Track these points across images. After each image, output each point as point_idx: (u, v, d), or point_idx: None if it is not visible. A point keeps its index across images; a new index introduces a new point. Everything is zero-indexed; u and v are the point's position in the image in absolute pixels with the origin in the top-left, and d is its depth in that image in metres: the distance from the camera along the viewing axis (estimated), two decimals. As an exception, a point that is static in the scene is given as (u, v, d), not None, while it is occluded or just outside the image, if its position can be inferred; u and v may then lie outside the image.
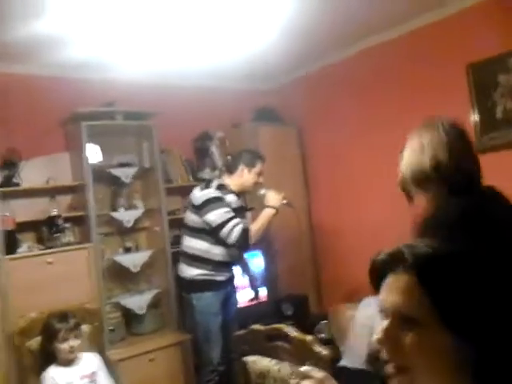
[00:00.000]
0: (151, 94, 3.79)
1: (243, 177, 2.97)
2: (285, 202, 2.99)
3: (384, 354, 0.75)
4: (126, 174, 3.51)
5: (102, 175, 3.49)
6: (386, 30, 3.63)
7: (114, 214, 3.51)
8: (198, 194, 2.88)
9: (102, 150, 3.53)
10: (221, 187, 2.92)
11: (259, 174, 2.98)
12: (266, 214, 2.92)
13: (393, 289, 0.76)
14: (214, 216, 2.78)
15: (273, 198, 2.93)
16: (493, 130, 3.13)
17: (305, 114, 4.47)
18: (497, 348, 0.70)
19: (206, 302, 2.85)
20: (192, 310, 2.90)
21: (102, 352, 2.74)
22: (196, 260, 2.89)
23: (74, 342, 2.30)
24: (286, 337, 1.67)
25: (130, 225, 3.52)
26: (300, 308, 3.80)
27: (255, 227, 2.88)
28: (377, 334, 0.75)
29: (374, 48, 3.82)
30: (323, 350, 1.54)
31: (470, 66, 3.20)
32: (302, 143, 4.53)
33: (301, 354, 1.59)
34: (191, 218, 2.93)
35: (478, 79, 3.17)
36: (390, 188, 3.66)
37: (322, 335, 3.52)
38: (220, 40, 3.32)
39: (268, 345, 1.73)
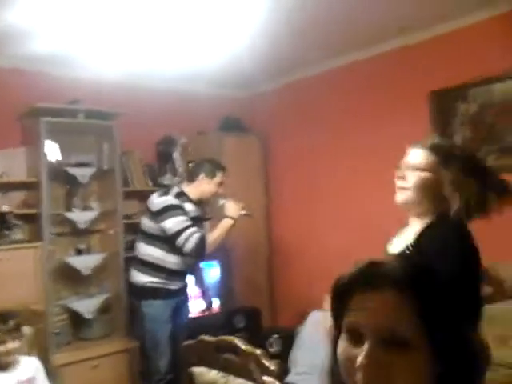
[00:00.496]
0: (117, 93, 3.72)
1: (203, 186, 2.95)
2: (244, 212, 2.99)
3: (360, 378, 0.69)
4: (83, 173, 3.42)
5: (58, 173, 3.40)
6: (352, 51, 3.70)
7: (68, 214, 3.41)
8: (156, 201, 2.84)
9: (60, 148, 3.45)
10: (180, 195, 2.89)
11: (219, 185, 2.97)
12: (224, 224, 2.91)
13: (378, 308, 0.70)
14: (171, 223, 2.75)
15: (232, 208, 2.92)
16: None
17: (271, 125, 4.50)
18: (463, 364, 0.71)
19: (156, 309, 2.80)
20: (142, 317, 2.84)
21: (45, 356, 2.64)
22: (149, 267, 2.84)
23: (11, 345, 2.19)
24: (234, 349, 1.65)
25: (84, 226, 3.43)
26: (252, 321, 3.78)
27: (212, 237, 2.86)
28: (359, 360, 0.69)
29: (339, 68, 3.90)
30: (271, 365, 1.52)
31: (431, 93, 3.29)
32: (266, 154, 4.55)
33: (249, 368, 1.57)
34: (147, 224, 2.88)
35: (439, 107, 3.27)
36: (353, 204, 3.77)
37: (272, 349, 3.51)
38: (193, 43, 3.29)
39: (216, 356, 1.70)
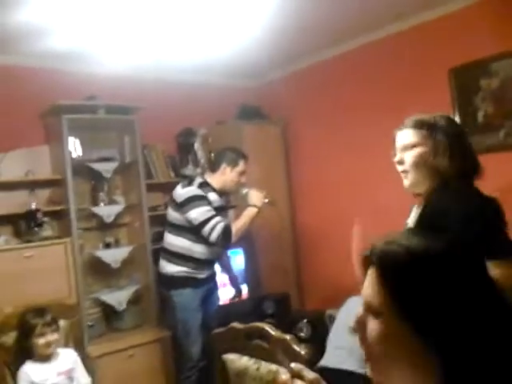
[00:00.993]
0: (134, 88, 3.75)
1: (225, 175, 2.96)
2: (267, 200, 2.99)
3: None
4: (106, 168, 3.47)
5: (82, 169, 3.45)
6: (370, 31, 3.65)
7: (95, 209, 3.47)
8: (181, 192, 2.86)
9: (82, 143, 3.50)
10: (203, 185, 2.90)
11: (242, 174, 2.97)
12: (249, 212, 2.91)
13: (366, 281, 0.81)
14: (196, 214, 2.77)
15: (255, 196, 2.92)
16: (474, 134, 3.17)
17: (290, 112, 4.47)
18: (453, 338, 0.69)
19: (186, 298, 2.84)
20: (172, 307, 2.89)
21: (80, 348, 2.71)
22: (177, 257, 2.88)
23: (51, 337, 2.27)
24: (264, 335, 1.67)
25: (110, 220, 3.48)
26: (281, 307, 3.81)
27: (237, 226, 2.87)
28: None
29: (358, 49, 3.85)
30: (302, 350, 1.54)
31: (452, 70, 3.23)
32: (286, 141, 4.53)
33: (279, 353, 1.59)
34: (173, 215, 2.91)
35: (460, 83, 3.21)
36: (375, 188, 3.74)
37: (302, 334, 3.53)
38: (205, 35, 3.29)
39: (247, 343, 1.73)
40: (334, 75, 4.08)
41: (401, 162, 1.64)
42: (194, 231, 2.82)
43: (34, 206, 3.19)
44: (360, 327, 0.79)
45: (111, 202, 3.62)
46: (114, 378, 3.20)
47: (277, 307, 3.76)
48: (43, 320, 2.27)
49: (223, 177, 2.96)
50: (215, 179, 2.97)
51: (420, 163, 1.59)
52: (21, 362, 2.27)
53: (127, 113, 3.64)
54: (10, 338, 2.37)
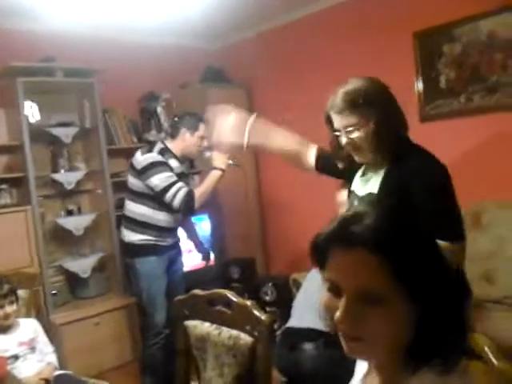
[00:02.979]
0: (94, 49, 3.62)
1: (186, 141, 2.87)
2: (231, 162, 2.92)
3: (341, 330, 0.75)
4: (66, 133, 3.37)
5: (40, 135, 3.35)
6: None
7: (55, 176, 3.39)
8: (140, 159, 2.77)
9: (39, 108, 3.37)
10: (163, 151, 2.82)
11: (202, 138, 2.89)
12: (213, 176, 2.81)
13: (349, 266, 0.73)
14: (158, 180, 2.70)
15: (219, 159, 2.83)
16: (436, 99, 3.20)
17: (254, 75, 4.40)
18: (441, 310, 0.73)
19: (149, 266, 2.81)
20: (136, 275, 2.86)
21: (43, 317, 2.68)
22: (139, 225, 2.82)
23: (9, 309, 2.22)
24: (227, 302, 1.68)
25: (71, 187, 3.41)
26: (247, 271, 3.85)
27: (200, 190, 2.79)
28: (336, 314, 0.73)
29: (323, 11, 3.79)
30: (262, 315, 1.56)
31: (416, 33, 3.22)
32: (251, 105, 4.47)
33: (241, 319, 1.61)
34: (133, 182, 2.83)
35: (424, 48, 3.20)
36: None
37: (268, 297, 3.60)
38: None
39: (209, 310, 1.74)
40: (297, 39, 4.01)
41: (348, 143, 1.64)
42: (155, 198, 2.76)
43: (-11, 173, 3.09)
44: (350, 318, 0.72)
45: (72, 168, 3.53)
46: (80, 346, 3.20)
47: (242, 272, 3.81)
48: (0, 292, 2.22)
49: (183, 142, 2.88)
50: (176, 145, 2.89)
51: (367, 141, 1.59)
52: (-20, 333, 2.23)
53: (86, 76, 3.50)
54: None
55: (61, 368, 2.43)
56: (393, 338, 0.73)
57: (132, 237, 2.84)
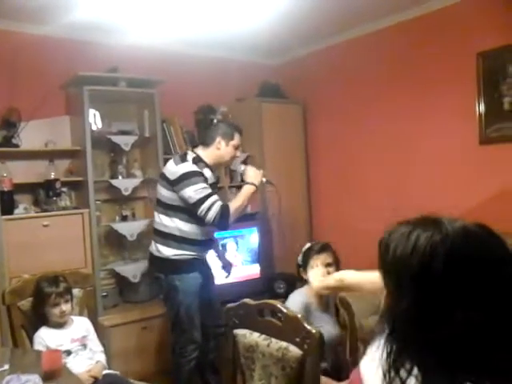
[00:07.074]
0: (156, 60, 3.75)
1: (220, 150, 2.78)
2: (265, 179, 2.83)
3: None
4: (125, 141, 3.48)
5: (101, 142, 3.47)
6: (395, 13, 3.58)
7: (113, 182, 3.50)
8: (174, 169, 2.67)
9: (102, 116, 3.50)
10: (196, 160, 2.71)
11: (237, 147, 2.81)
12: (246, 190, 2.74)
13: None
14: (192, 192, 2.59)
15: (253, 174, 2.76)
16: (499, 121, 3.10)
17: (310, 92, 4.43)
18: None
19: (189, 282, 2.70)
20: (174, 291, 2.71)
21: (93, 317, 2.75)
22: (176, 240, 2.71)
23: (64, 307, 2.30)
24: (276, 313, 1.68)
25: (127, 193, 3.51)
26: (292, 286, 3.81)
27: (235, 205, 2.68)
28: None
29: (382, 31, 3.77)
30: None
31: (479, 54, 3.15)
32: (305, 122, 4.50)
33: (290, 331, 1.60)
34: (165, 194, 2.71)
35: (487, 69, 3.13)
36: (394, 175, 3.71)
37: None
38: (230, 10, 3.26)
39: (258, 319, 1.74)
40: (356, 59, 4.01)
41: None
42: (188, 211, 2.66)
43: (52, 176, 3.23)
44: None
45: (129, 175, 3.64)
46: (125, 349, 3.26)
47: (288, 287, 3.78)
48: (57, 290, 2.30)
49: (218, 151, 2.78)
50: (209, 154, 2.78)
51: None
52: (37, 326, 2.32)
53: (148, 86, 3.63)
54: (27, 302, 2.41)
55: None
56: None
57: (168, 252, 2.72)
